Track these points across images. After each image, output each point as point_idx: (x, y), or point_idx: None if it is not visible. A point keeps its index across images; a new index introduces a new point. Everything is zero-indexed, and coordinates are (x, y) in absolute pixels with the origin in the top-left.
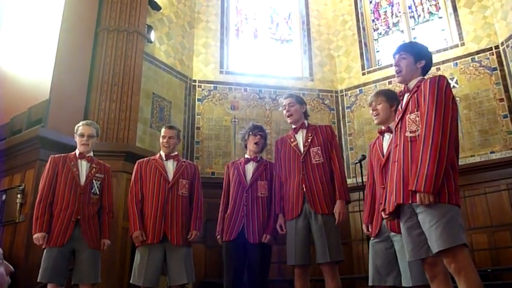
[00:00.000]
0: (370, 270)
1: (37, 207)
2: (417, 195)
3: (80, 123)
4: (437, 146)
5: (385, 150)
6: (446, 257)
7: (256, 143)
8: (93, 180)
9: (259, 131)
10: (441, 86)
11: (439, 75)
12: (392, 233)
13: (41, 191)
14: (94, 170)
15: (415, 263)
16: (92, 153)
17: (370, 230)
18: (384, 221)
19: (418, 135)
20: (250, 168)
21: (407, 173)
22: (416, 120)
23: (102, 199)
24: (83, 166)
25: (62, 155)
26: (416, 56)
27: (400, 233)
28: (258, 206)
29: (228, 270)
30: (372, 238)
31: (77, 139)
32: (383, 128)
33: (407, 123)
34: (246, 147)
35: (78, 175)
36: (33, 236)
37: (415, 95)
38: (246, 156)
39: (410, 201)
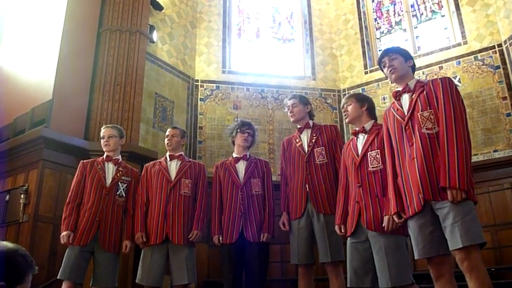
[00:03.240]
0: (348, 272)
1: (65, 209)
2: (448, 191)
3: (103, 126)
4: (461, 142)
5: (359, 151)
6: (460, 254)
7: (244, 140)
8: (119, 183)
9: (248, 128)
10: (452, 86)
11: (449, 78)
12: (371, 233)
13: (69, 193)
14: (120, 172)
15: (395, 264)
16: (119, 157)
17: (343, 230)
18: (360, 220)
19: (436, 132)
20: (241, 166)
21: (432, 169)
22: (431, 118)
23: (127, 202)
24: (110, 168)
25: (91, 159)
26: (405, 56)
27: (377, 232)
28: (254, 204)
29: (229, 272)
30: (348, 239)
31: (101, 142)
32: (357, 129)
33: (420, 120)
34: (233, 143)
35: (104, 177)
36: (61, 235)
37: (424, 93)
38: (235, 155)
39: (439, 198)
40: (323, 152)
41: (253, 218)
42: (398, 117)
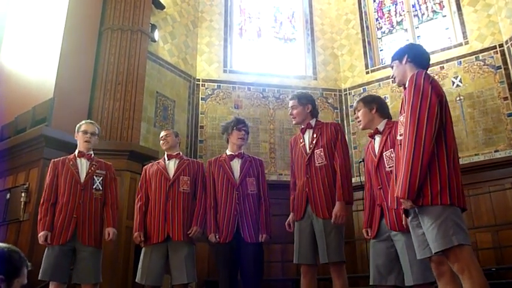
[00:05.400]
0: (371, 270)
1: (40, 209)
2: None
3: (83, 122)
4: (411, 149)
5: (377, 152)
6: (449, 257)
7: (241, 138)
8: (94, 176)
9: (244, 126)
10: (418, 83)
11: (417, 71)
12: (393, 232)
13: (43, 193)
14: (94, 166)
15: (416, 262)
16: (92, 153)
17: (369, 234)
18: (383, 221)
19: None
20: (236, 165)
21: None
22: (403, 123)
23: (105, 194)
24: (83, 164)
25: (62, 157)
26: (400, 56)
27: (402, 231)
28: (250, 203)
29: (225, 271)
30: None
31: (79, 136)
32: (372, 131)
33: (398, 126)
34: (227, 141)
35: (78, 172)
36: (38, 236)
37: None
38: (229, 152)
39: (402, 207)
40: (322, 154)
41: (250, 218)
42: None
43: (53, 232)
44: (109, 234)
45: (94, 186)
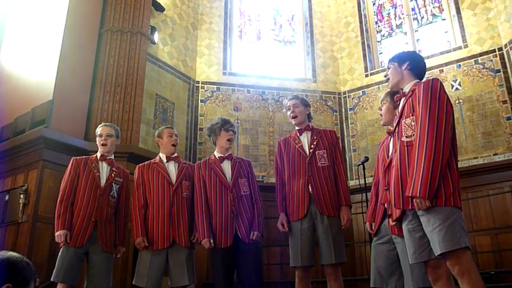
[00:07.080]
0: (372, 272)
1: (59, 206)
2: (414, 200)
3: (99, 125)
4: (431, 151)
5: (390, 152)
6: (450, 259)
7: (229, 140)
8: (113, 183)
9: (231, 126)
10: (435, 89)
11: (433, 78)
12: (394, 235)
13: (62, 191)
14: (114, 173)
15: (417, 265)
16: (113, 156)
17: (373, 228)
18: (384, 222)
19: (414, 140)
20: (227, 166)
21: (405, 178)
22: (411, 125)
23: (119, 203)
24: (104, 168)
25: (84, 157)
26: (400, 61)
27: (401, 236)
28: (244, 204)
29: (223, 276)
30: (373, 239)
31: (97, 140)
32: (391, 128)
33: (403, 127)
34: (214, 143)
35: (99, 177)
36: (56, 234)
37: (410, 99)
38: (218, 154)
39: (410, 207)
40: (325, 155)
41: (246, 218)
42: (394, 124)
43: (70, 233)
44: (119, 251)
45: (111, 193)
